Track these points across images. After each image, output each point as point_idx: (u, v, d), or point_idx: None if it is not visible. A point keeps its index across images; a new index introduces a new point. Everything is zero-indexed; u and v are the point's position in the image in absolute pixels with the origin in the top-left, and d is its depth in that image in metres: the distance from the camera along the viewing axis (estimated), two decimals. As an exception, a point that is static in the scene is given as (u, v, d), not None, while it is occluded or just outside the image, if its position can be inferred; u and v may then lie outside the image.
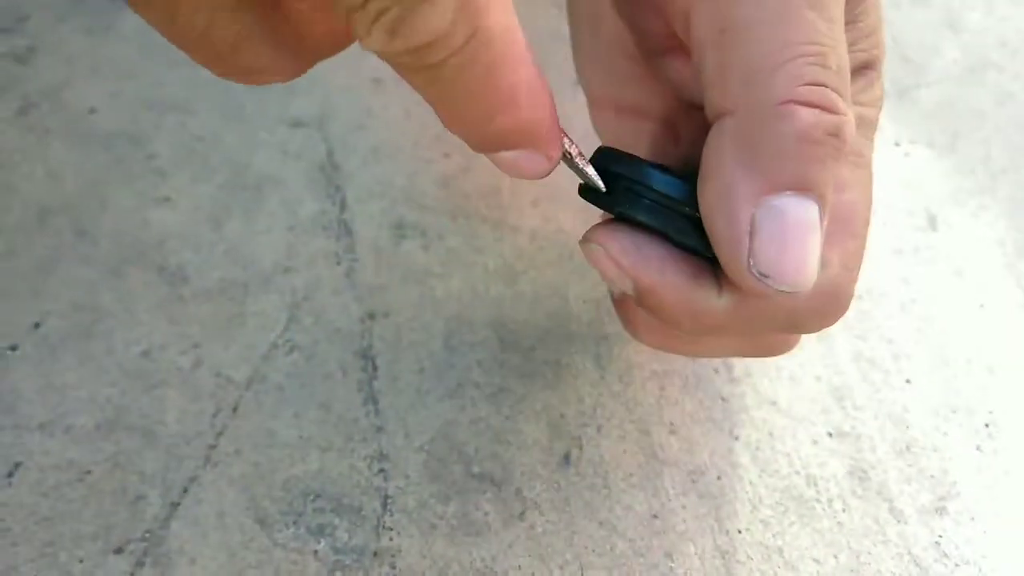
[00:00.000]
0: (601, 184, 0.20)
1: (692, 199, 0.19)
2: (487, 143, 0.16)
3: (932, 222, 0.35)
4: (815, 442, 0.28)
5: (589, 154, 0.20)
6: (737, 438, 0.28)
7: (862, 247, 0.21)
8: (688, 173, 0.19)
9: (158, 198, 0.32)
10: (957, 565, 0.26)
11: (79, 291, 0.29)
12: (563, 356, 0.30)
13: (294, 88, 0.35)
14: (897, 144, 0.37)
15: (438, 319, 0.30)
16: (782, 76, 0.16)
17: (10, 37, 0.37)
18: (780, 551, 0.26)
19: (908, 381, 0.30)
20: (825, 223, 0.18)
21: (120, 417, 0.27)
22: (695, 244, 0.19)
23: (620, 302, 0.24)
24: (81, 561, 0.24)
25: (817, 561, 0.26)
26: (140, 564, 0.24)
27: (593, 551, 0.25)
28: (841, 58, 0.17)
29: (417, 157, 0.34)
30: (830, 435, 0.28)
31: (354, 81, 0.36)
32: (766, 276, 0.17)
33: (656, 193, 0.19)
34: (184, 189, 0.32)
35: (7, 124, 0.33)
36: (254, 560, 0.24)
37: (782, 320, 0.20)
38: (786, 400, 0.29)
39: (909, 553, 0.26)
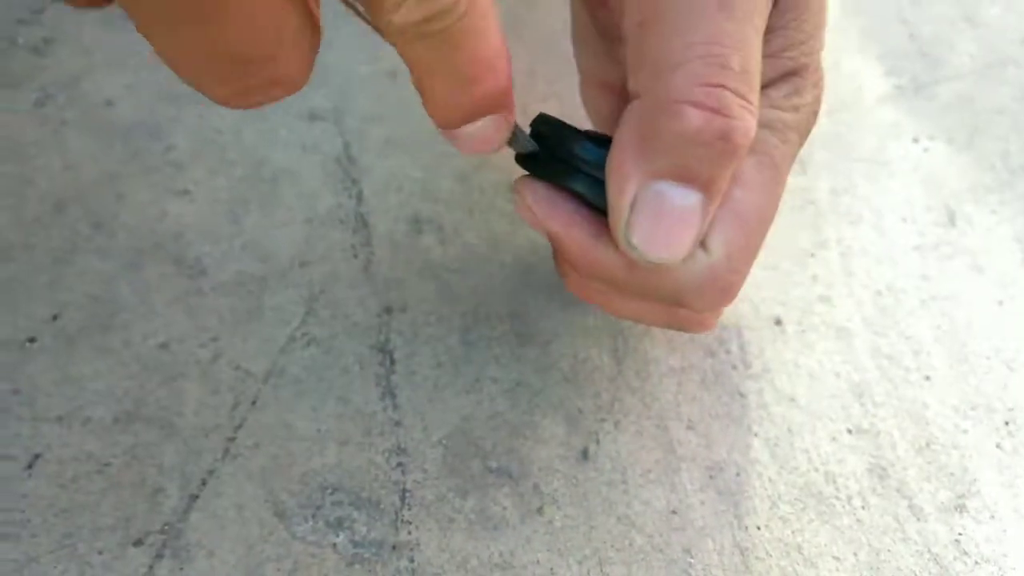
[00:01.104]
0: (535, 147, 0.22)
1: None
2: (466, 112, 0.17)
3: (951, 218, 0.34)
4: (834, 439, 0.28)
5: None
6: (756, 434, 0.28)
7: (755, 244, 0.22)
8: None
9: (176, 191, 0.31)
10: (977, 563, 0.26)
11: (96, 283, 0.29)
12: (580, 350, 0.29)
13: (311, 82, 0.35)
14: (915, 140, 0.37)
15: (455, 313, 0.30)
16: (681, 74, 0.18)
17: (27, 28, 0.37)
18: (799, 548, 0.26)
19: (927, 378, 0.30)
20: (710, 213, 0.20)
21: (138, 409, 0.27)
22: (603, 205, 0.21)
23: (554, 252, 0.25)
24: (100, 553, 0.24)
25: (836, 558, 0.26)
26: (159, 557, 0.24)
27: (611, 546, 0.25)
28: (747, 60, 0.18)
29: (434, 151, 0.34)
30: (849, 432, 0.28)
31: (370, 74, 0.36)
32: (636, 247, 0.20)
33: (577, 158, 0.21)
34: (202, 182, 0.32)
35: (24, 116, 0.33)
36: (273, 553, 0.24)
37: (668, 290, 0.22)
38: (805, 396, 0.29)
39: (929, 551, 0.26)
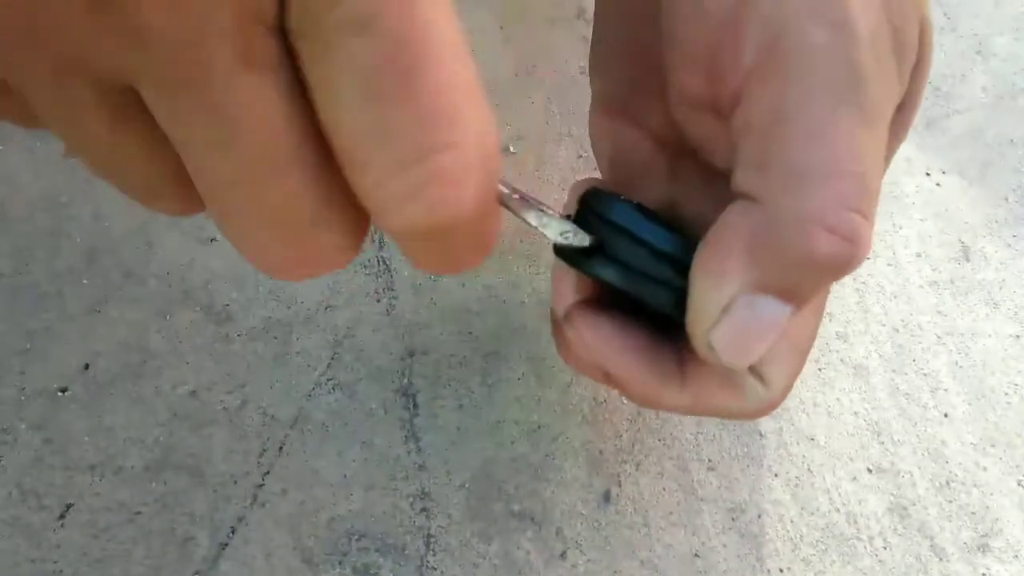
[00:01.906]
0: (588, 240, 0.19)
1: (678, 255, 0.19)
2: (461, 269, 0.16)
3: (966, 252, 0.35)
4: (854, 478, 0.28)
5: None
6: (776, 475, 0.28)
7: (803, 364, 0.22)
8: (674, 222, 0.20)
9: (204, 239, 0.32)
10: (1002, 604, 0.26)
11: (127, 332, 0.30)
12: (600, 392, 0.30)
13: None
14: (928, 174, 0.37)
15: (476, 356, 0.30)
16: (820, 193, 0.16)
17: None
18: (822, 590, 0.26)
19: (946, 415, 0.30)
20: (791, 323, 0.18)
21: (168, 457, 0.27)
22: (670, 312, 0.20)
23: (557, 328, 0.24)
24: (134, 601, 0.25)
25: (860, 600, 0.26)
26: (191, 604, 0.25)
27: (635, 590, 0.26)
28: (879, 176, 0.17)
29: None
30: (869, 471, 0.29)
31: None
32: (714, 350, 0.18)
33: (640, 248, 0.19)
34: (226, 229, 0.33)
35: (54, 167, 0.34)
36: (302, 600, 0.25)
37: (727, 416, 0.22)
38: (824, 436, 0.29)
39: (953, 592, 0.26)
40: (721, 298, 0.18)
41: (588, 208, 0.20)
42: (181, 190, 0.14)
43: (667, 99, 0.22)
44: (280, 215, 0.13)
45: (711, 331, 0.18)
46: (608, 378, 0.22)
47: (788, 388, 0.21)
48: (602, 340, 0.21)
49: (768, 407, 0.21)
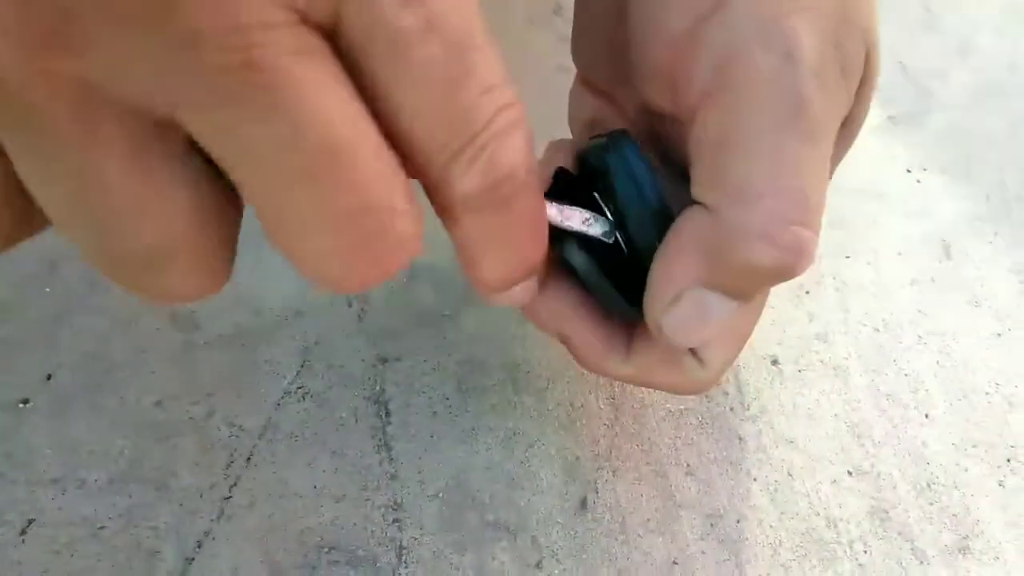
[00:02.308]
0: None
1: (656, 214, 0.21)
2: (511, 281, 0.18)
3: (947, 251, 0.34)
4: (834, 481, 0.28)
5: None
6: (755, 479, 0.28)
7: (740, 350, 0.24)
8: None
9: (168, 245, 0.32)
10: (983, 608, 0.25)
11: (91, 341, 0.29)
12: (576, 397, 0.29)
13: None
14: (909, 171, 0.37)
15: (450, 362, 0.30)
16: (763, 207, 0.18)
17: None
18: (802, 596, 0.25)
19: (927, 416, 0.30)
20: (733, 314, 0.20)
21: (133, 470, 0.27)
22: (625, 305, 0.22)
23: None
24: (96, 620, 0.24)
25: (840, 606, 0.25)
26: (155, 622, 0.24)
27: (612, 600, 0.25)
28: (822, 190, 0.19)
29: (424, 199, 0.34)
30: (849, 474, 0.28)
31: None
32: (663, 331, 0.20)
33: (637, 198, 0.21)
34: (194, 234, 0.32)
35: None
36: (270, 616, 0.24)
37: (665, 389, 0.25)
38: (804, 438, 0.29)
39: (933, 596, 0.26)
40: (672, 290, 0.20)
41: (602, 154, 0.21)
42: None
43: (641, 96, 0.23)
44: (354, 208, 0.14)
45: (662, 315, 0.20)
46: (564, 339, 0.24)
47: (723, 370, 0.24)
48: (563, 304, 0.23)
49: (703, 386, 0.24)
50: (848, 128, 0.21)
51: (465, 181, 0.15)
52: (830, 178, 0.20)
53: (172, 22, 0.11)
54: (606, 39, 0.24)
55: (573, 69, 0.27)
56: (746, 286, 0.20)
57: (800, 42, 0.18)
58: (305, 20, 0.13)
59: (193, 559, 0.25)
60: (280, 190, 0.13)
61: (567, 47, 0.26)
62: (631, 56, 0.22)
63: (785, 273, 0.19)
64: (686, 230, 0.20)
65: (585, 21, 0.25)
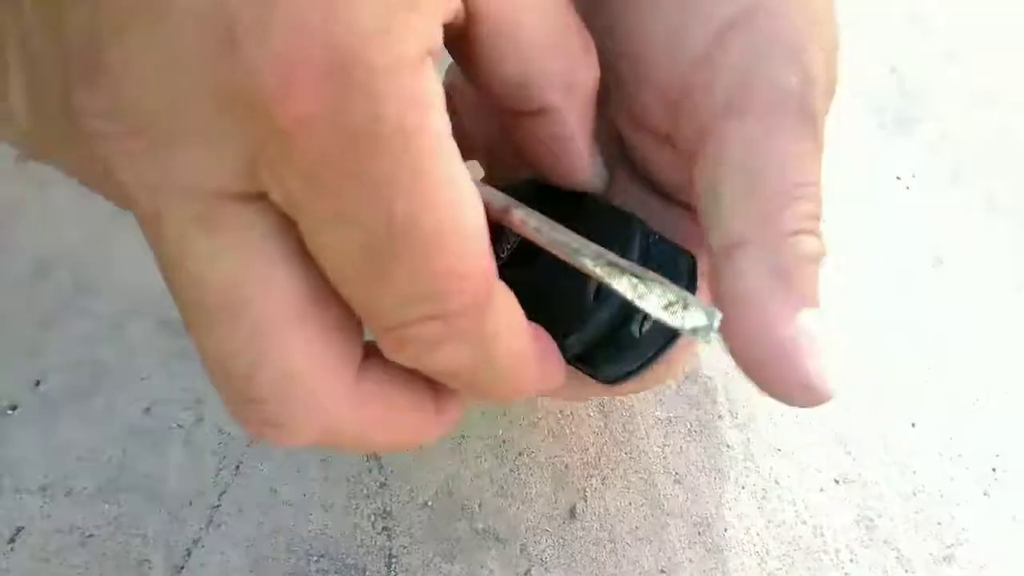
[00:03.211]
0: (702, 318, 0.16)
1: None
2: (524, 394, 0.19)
3: (936, 259, 0.34)
4: (821, 489, 0.28)
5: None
6: (743, 487, 0.28)
7: None
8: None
9: (158, 250, 0.31)
10: (967, 617, 0.26)
11: (80, 347, 0.29)
12: (566, 405, 0.29)
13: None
14: (898, 178, 0.37)
15: (440, 368, 0.30)
16: (792, 213, 0.18)
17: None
18: (788, 605, 0.26)
19: (913, 425, 0.30)
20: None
21: (122, 477, 0.27)
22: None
23: None
24: (85, 628, 0.24)
25: (825, 615, 0.26)
26: (144, 630, 0.24)
27: (600, 608, 0.25)
28: (821, 185, 0.19)
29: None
30: (836, 482, 0.28)
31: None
32: (812, 386, 0.18)
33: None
34: (184, 239, 0.32)
35: (5, 174, 0.33)
36: (258, 625, 0.24)
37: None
38: (791, 446, 0.29)
39: (918, 605, 0.26)
40: (785, 342, 0.18)
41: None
42: None
43: (609, 111, 0.22)
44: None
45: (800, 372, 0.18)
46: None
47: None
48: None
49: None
50: None
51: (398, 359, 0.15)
52: None
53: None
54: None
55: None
56: (814, 287, 0.19)
57: (816, 60, 0.19)
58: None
59: (182, 567, 0.25)
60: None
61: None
62: (624, 79, 0.21)
63: (821, 256, 0.19)
64: (739, 280, 0.19)
65: None
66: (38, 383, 0.28)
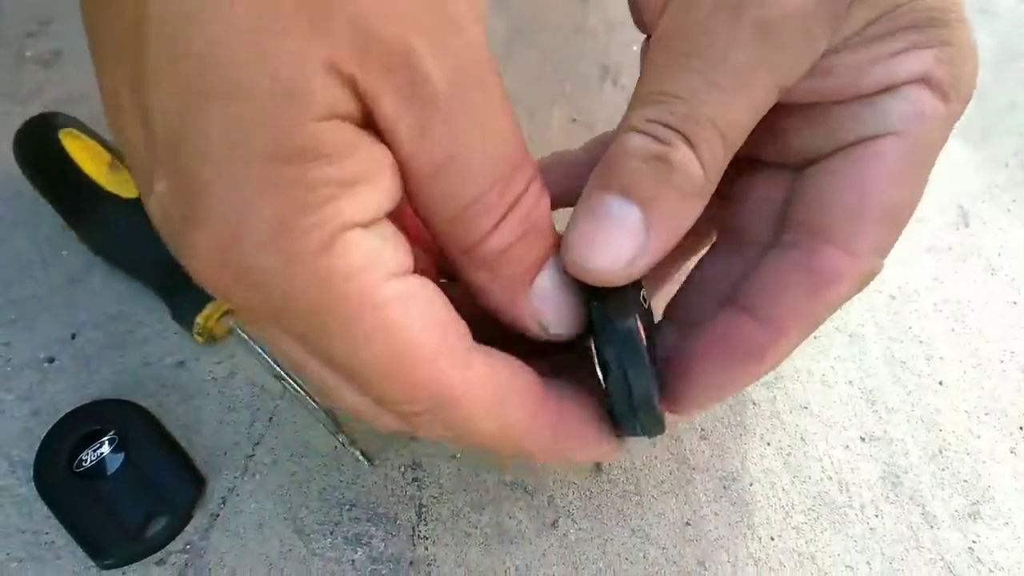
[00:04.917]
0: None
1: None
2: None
3: (965, 218, 0.34)
4: (847, 447, 0.28)
5: None
6: (768, 444, 0.28)
7: None
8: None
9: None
10: (991, 571, 0.26)
11: (112, 302, 0.29)
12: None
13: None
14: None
15: (468, 325, 0.30)
16: (637, 112, 0.19)
17: (35, 41, 0.37)
18: (812, 558, 0.26)
19: (941, 383, 0.30)
20: (651, 237, 0.18)
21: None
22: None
23: None
24: (124, 573, 0.25)
25: (850, 568, 0.26)
26: (181, 575, 0.25)
27: (625, 559, 0.26)
28: (709, 115, 0.18)
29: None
30: (862, 439, 0.28)
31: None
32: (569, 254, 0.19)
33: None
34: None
35: (35, 132, 0.33)
36: (293, 571, 0.25)
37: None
38: (818, 404, 0.29)
39: (942, 559, 0.26)
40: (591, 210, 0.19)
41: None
42: None
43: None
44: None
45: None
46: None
47: None
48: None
49: None
50: None
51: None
52: None
53: None
54: None
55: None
56: (629, 180, 0.19)
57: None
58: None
59: (218, 515, 0.26)
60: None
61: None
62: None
63: (654, 159, 0.19)
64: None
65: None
66: (74, 336, 0.29)
